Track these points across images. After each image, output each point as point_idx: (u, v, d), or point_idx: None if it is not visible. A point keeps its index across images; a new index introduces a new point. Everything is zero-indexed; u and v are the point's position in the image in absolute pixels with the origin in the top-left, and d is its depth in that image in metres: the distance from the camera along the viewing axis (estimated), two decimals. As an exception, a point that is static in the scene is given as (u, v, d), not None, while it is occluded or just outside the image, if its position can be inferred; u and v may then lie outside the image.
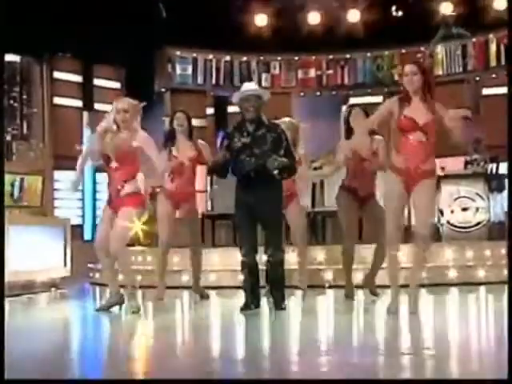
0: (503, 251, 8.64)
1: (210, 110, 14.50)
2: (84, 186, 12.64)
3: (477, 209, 9.87)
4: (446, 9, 13.32)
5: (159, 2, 13.34)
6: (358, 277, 7.57)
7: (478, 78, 13.77)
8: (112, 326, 6.11)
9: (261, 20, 14.03)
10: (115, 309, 6.51)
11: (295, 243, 7.53)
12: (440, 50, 13.88)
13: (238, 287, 7.13)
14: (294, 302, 7.06)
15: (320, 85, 14.71)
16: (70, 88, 13.11)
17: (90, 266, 10.15)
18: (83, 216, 13.06)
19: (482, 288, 8.04)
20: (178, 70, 14.30)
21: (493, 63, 13.46)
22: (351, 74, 14.56)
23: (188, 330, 6.06)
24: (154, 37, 12.86)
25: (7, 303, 6.70)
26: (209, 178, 10.61)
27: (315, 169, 7.62)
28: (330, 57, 14.60)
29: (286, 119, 7.55)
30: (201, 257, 7.73)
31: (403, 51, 14.10)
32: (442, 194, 9.85)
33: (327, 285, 8.39)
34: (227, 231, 10.53)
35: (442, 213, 9.89)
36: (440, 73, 13.71)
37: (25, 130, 12.33)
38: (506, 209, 9.84)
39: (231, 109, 13.62)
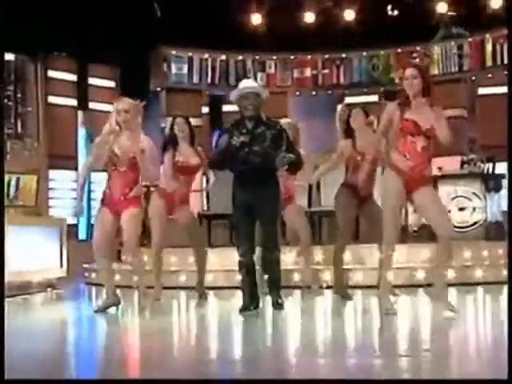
0: (500, 251, 8.65)
1: (206, 109, 14.48)
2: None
3: (474, 208, 9.89)
4: (442, 8, 13.36)
5: (154, 0, 13.31)
6: (357, 277, 7.54)
7: (473, 78, 13.78)
8: (109, 327, 6.07)
9: (256, 19, 14.04)
10: (112, 309, 6.47)
11: (300, 243, 7.55)
12: (436, 49, 13.89)
13: (235, 287, 7.11)
14: (291, 302, 7.04)
15: (316, 84, 14.70)
16: (65, 87, 13.06)
17: (85, 266, 10.10)
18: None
19: (480, 288, 8.03)
20: (174, 69, 14.26)
21: (489, 63, 13.47)
22: (347, 73, 14.54)
23: (186, 331, 6.03)
24: (149, 36, 12.83)
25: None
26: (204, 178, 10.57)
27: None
28: (326, 56, 14.58)
29: (286, 120, 7.53)
30: (206, 257, 7.72)
31: (399, 51, 14.12)
32: (439, 194, 9.83)
33: (324, 285, 8.36)
34: (223, 231, 10.50)
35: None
36: (436, 72, 13.71)
37: (19, 129, 12.28)
38: (502, 208, 9.86)
39: (226, 108, 13.62)
